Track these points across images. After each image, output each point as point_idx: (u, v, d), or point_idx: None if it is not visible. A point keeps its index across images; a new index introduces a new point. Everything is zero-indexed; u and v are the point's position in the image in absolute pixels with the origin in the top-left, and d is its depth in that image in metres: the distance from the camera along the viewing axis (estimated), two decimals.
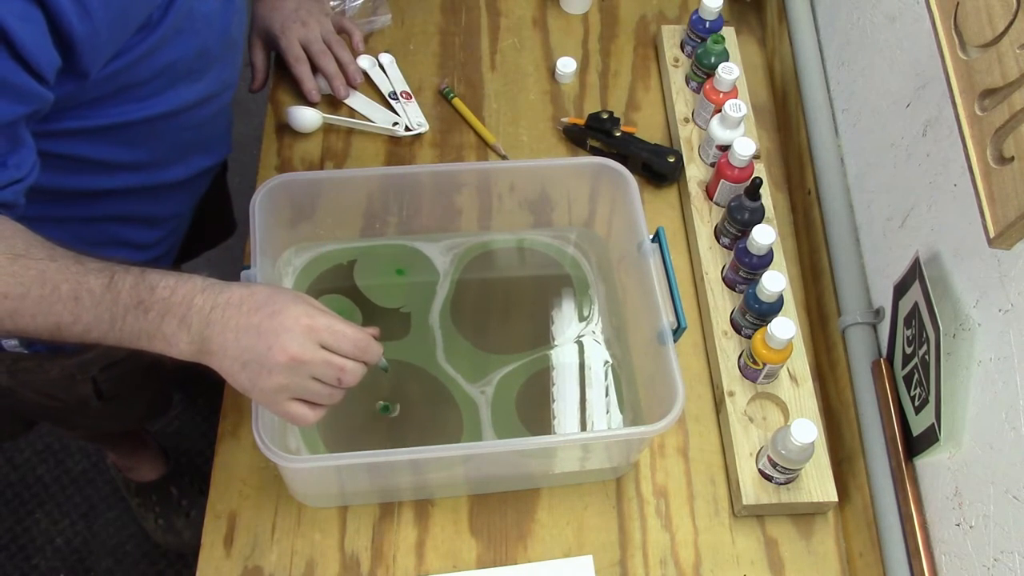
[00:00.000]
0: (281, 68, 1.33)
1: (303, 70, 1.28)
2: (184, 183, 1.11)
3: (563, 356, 1.14)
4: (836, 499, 1.04)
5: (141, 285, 0.79)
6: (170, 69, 0.96)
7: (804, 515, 1.07)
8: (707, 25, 1.31)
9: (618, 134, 1.27)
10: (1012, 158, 0.76)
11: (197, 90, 1.02)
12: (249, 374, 0.81)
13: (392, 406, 1.09)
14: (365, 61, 1.35)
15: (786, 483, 1.04)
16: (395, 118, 1.30)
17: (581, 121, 1.29)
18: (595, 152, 1.29)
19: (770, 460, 1.02)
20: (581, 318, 1.17)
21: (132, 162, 1.01)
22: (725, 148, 1.21)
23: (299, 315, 0.81)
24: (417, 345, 1.13)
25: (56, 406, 1.21)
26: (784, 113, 1.35)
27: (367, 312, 1.15)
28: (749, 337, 1.11)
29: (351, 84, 1.30)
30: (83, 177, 0.98)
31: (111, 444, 1.75)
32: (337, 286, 1.16)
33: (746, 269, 1.12)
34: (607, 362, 1.13)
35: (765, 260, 1.12)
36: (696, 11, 1.32)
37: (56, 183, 0.95)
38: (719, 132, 1.22)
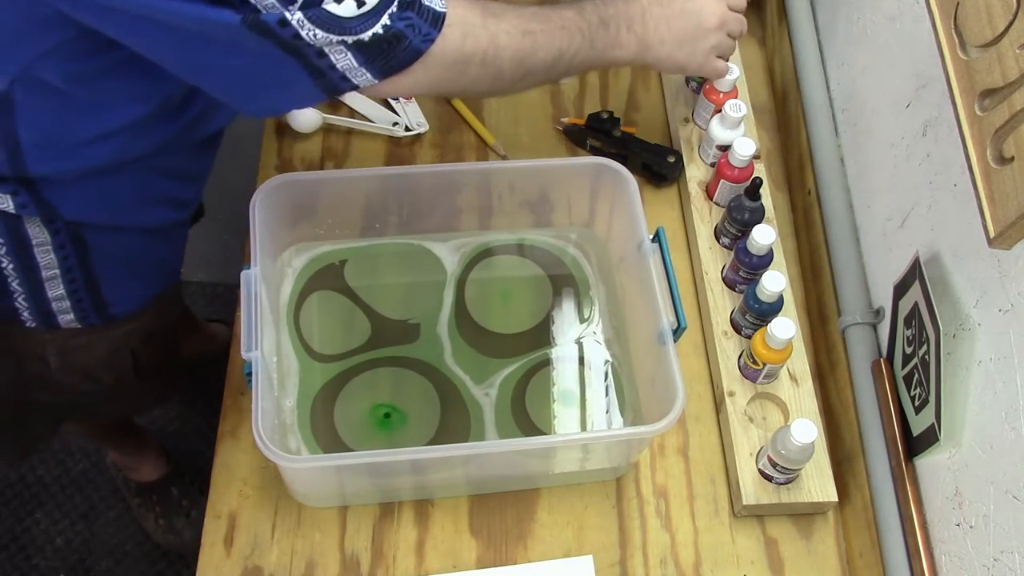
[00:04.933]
0: None
1: None
2: (215, 136, 1.11)
3: (563, 356, 1.14)
4: (836, 499, 1.04)
5: (599, 6, 0.99)
6: None
7: (804, 515, 1.07)
8: None
9: (618, 134, 1.27)
10: (1012, 158, 0.76)
11: None
12: (687, 49, 1.04)
13: (394, 413, 1.09)
14: None
15: (786, 483, 1.04)
16: (395, 118, 1.30)
17: (581, 121, 1.29)
18: (595, 152, 1.29)
19: (770, 460, 1.02)
20: (581, 318, 1.17)
21: (195, 113, 1.00)
22: (725, 148, 1.21)
23: None
24: (423, 347, 1.13)
25: (93, 390, 1.22)
26: (784, 113, 1.35)
27: (368, 313, 1.15)
28: (749, 337, 1.11)
29: None
30: (158, 125, 0.97)
31: (112, 443, 1.75)
32: (338, 286, 1.16)
33: (746, 269, 1.12)
34: (607, 362, 1.13)
35: (765, 260, 1.12)
36: None
37: (141, 128, 0.94)
38: (719, 132, 1.22)
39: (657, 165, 1.26)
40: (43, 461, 1.85)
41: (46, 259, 0.98)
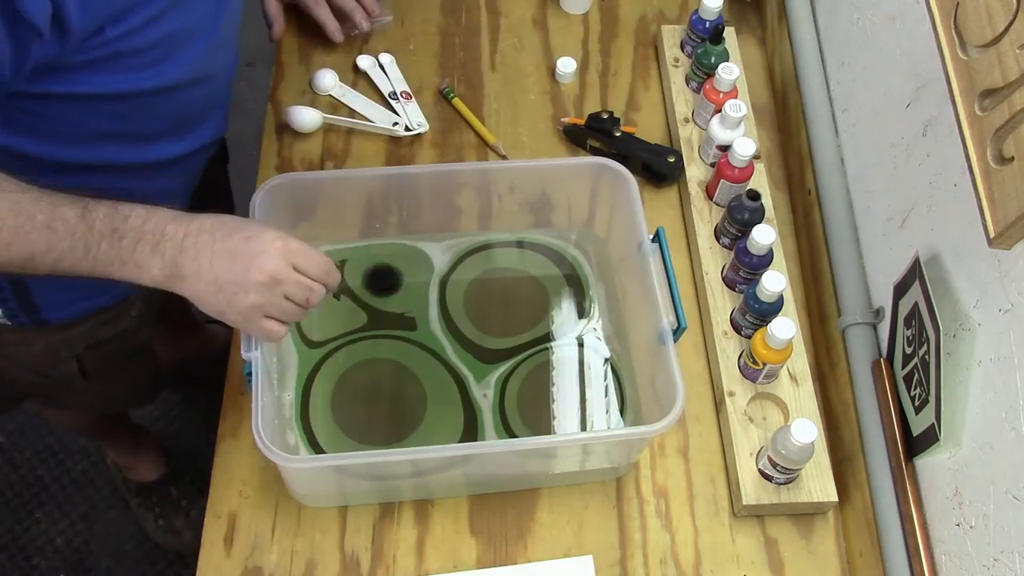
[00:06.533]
0: (283, 61, 1.33)
1: (323, 12, 1.30)
2: (174, 162, 1.10)
3: (563, 356, 1.14)
4: (836, 499, 1.04)
5: (115, 215, 0.83)
6: (165, 41, 0.94)
7: (804, 515, 1.07)
8: (707, 25, 1.31)
9: (618, 134, 1.27)
10: (1012, 158, 0.76)
11: (189, 69, 1.01)
12: (226, 296, 0.86)
13: (396, 411, 1.09)
14: (365, 61, 1.35)
15: (786, 483, 1.04)
16: (395, 118, 1.30)
17: (581, 121, 1.29)
18: (595, 152, 1.29)
19: (770, 460, 1.02)
20: (581, 318, 1.17)
21: (122, 134, 1.00)
22: (725, 148, 1.21)
23: (273, 238, 0.87)
24: (424, 347, 1.13)
25: (43, 382, 1.22)
26: (784, 113, 1.35)
27: (369, 312, 1.15)
28: (749, 337, 1.11)
29: (370, 14, 1.33)
30: (73, 148, 0.97)
31: (110, 442, 1.75)
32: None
33: (746, 269, 1.12)
34: (607, 362, 1.13)
35: (765, 260, 1.12)
36: (696, 11, 1.32)
37: (48, 152, 0.94)
38: (719, 132, 1.22)
39: (657, 165, 1.26)
40: (43, 461, 1.86)
41: None
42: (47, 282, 1.01)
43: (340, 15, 1.33)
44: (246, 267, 0.85)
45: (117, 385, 1.33)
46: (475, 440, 1.07)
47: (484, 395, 1.10)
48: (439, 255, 1.19)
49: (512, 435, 1.08)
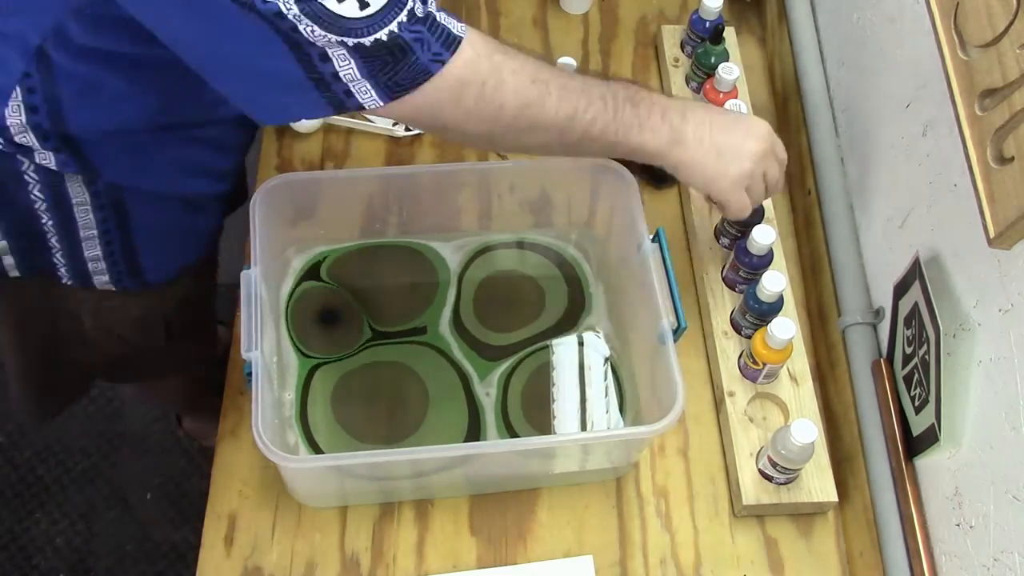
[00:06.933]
0: None
1: None
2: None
3: (563, 356, 1.14)
4: (836, 499, 1.04)
5: (629, 88, 0.93)
6: None
7: (804, 515, 1.07)
8: (707, 25, 1.31)
9: None
10: (1012, 158, 0.76)
11: None
12: (723, 162, 0.96)
13: (397, 411, 1.09)
14: None
15: (786, 483, 1.04)
16: None
17: None
18: None
19: (770, 460, 1.02)
20: (581, 318, 1.17)
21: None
22: None
23: (763, 123, 1.00)
24: (426, 346, 1.13)
25: (125, 352, 1.23)
26: (784, 113, 1.35)
27: (370, 312, 1.15)
28: (749, 337, 1.11)
29: None
30: (192, 91, 0.94)
31: (186, 410, 1.79)
32: (339, 285, 1.16)
33: (746, 269, 1.12)
34: (607, 362, 1.13)
35: (765, 260, 1.12)
36: (696, 11, 1.32)
37: (175, 92, 0.94)
38: None
39: (657, 165, 1.25)
40: (43, 461, 1.86)
41: (85, 219, 0.99)
42: (153, 243, 1.06)
43: None
44: (743, 138, 0.97)
45: (192, 345, 1.35)
46: (478, 439, 1.07)
47: (487, 393, 1.10)
48: (450, 254, 1.19)
49: (514, 434, 1.08)
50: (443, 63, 0.80)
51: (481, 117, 0.86)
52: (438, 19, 0.80)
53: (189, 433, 1.84)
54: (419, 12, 0.78)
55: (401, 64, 0.79)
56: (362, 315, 1.14)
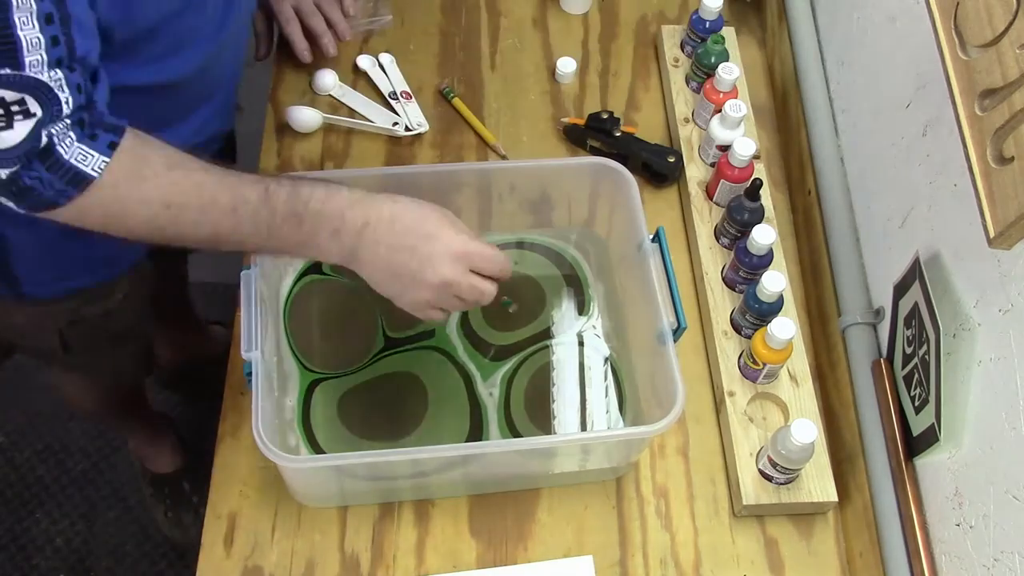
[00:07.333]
0: (283, 61, 1.33)
1: (293, 30, 1.29)
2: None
3: (563, 356, 1.14)
4: (836, 499, 1.04)
5: (296, 198, 0.85)
6: (172, 38, 0.94)
7: (804, 515, 1.07)
8: (707, 25, 1.31)
9: (618, 134, 1.27)
10: (1012, 158, 0.76)
11: (193, 67, 1.00)
12: (400, 286, 0.89)
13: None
14: (365, 61, 1.35)
15: (786, 483, 1.04)
16: (395, 118, 1.30)
17: (581, 121, 1.29)
18: (595, 152, 1.29)
19: (770, 460, 1.02)
20: (581, 318, 1.17)
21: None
22: (725, 148, 1.21)
23: (451, 240, 0.88)
24: (433, 350, 1.13)
25: (28, 345, 1.23)
26: (784, 113, 1.35)
27: (370, 311, 1.15)
28: (749, 337, 1.11)
29: (340, 39, 1.31)
30: None
31: (127, 430, 1.77)
32: (339, 284, 1.16)
33: (746, 269, 1.12)
34: (607, 362, 1.13)
35: (765, 260, 1.12)
36: (696, 11, 1.32)
37: None
38: (719, 132, 1.22)
39: (657, 165, 1.26)
40: (43, 461, 1.86)
41: None
42: (29, 257, 1.03)
43: (311, 36, 1.30)
44: (421, 266, 0.88)
45: (102, 360, 1.33)
46: (481, 439, 1.07)
47: (490, 393, 1.10)
48: None
49: (516, 434, 1.08)
50: (71, 199, 0.80)
51: (118, 230, 0.84)
52: (63, 157, 0.78)
53: (133, 452, 1.81)
54: (42, 152, 0.77)
55: (28, 197, 0.79)
56: (377, 318, 1.14)
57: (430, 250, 0.87)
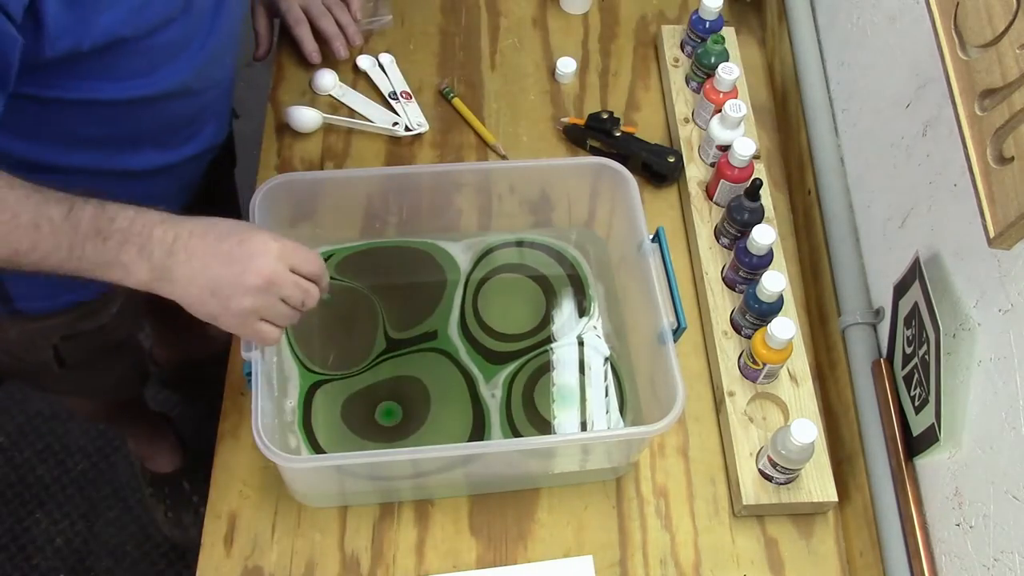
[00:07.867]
0: (283, 61, 1.33)
1: (303, 32, 1.29)
2: (164, 170, 1.09)
3: (563, 357, 1.14)
4: (836, 499, 1.04)
5: (101, 215, 0.81)
6: (158, 51, 0.94)
7: (804, 515, 1.07)
8: (707, 25, 1.31)
9: (618, 134, 1.27)
10: (1012, 158, 0.76)
11: (179, 80, 1.00)
12: (220, 300, 0.84)
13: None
14: (365, 61, 1.35)
15: (786, 483, 1.04)
16: (395, 118, 1.30)
17: (581, 121, 1.29)
18: (595, 152, 1.29)
19: (770, 460, 1.02)
20: (581, 318, 1.17)
21: (107, 140, 0.99)
22: (725, 148, 1.21)
23: (267, 239, 0.85)
24: (435, 352, 1.13)
25: (20, 366, 1.22)
26: (784, 113, 1.35)
27: (370, 311, 1.15)
28: (749, 337, 1.11)
29: (351, 44, 1.32)
30: (57, 151, 0.96)
31: (128, 431, 1.77)
32: (340, 284, 1.16)
33: (746, 269, 1.12)
34: (607, 362, 1.13)
35: (765, 260, 1.12)
36: (696, 11, 1.32)
37: (31, 154, 0.93)
38: (719, 132, 1.22)
39: (657, 165, 1.26)
40: (43, 461, 1.86)
41: None
42: (18, 277, 1.00)
43: (321, 38, 1.31)
44: (241, 270, 0.84)
45: (97, 375, 1.33)
46: (483, 440, 1.07)
47: (492, 395, 1.10)
48: (460, 254, 1.19)
49: (518, 434, 1.08)
50: None
51: None
52: None
53: (134, 452, 1.81)
54: None
55: None
56: (380, 317, 1.14)
57: (249, 250, 0.84)
